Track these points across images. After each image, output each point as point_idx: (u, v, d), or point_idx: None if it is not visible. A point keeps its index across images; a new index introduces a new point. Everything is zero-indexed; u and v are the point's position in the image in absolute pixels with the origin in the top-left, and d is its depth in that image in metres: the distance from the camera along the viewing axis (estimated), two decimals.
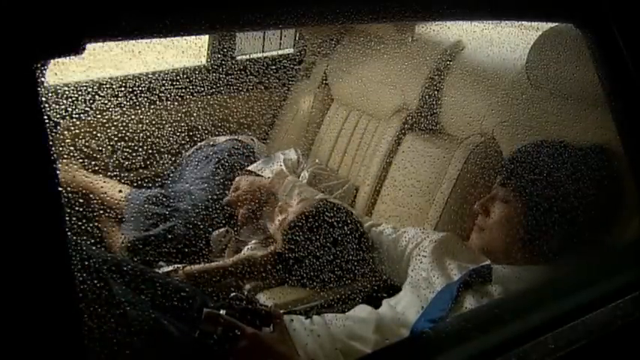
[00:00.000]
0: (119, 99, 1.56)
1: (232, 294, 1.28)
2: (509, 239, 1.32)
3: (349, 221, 1.69)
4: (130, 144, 1.55)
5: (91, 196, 1.64)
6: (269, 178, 2.05)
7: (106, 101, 1.42)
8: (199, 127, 2.13)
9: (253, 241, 1.87)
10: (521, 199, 1.32)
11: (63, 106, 1.02)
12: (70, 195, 0.69)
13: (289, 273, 1.67)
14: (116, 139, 1.53)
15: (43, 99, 0.62)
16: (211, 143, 2.22)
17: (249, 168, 2.14)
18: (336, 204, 1.80)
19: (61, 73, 0.81)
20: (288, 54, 2.56)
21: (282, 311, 1.44)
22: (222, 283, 1.67)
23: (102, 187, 1.75)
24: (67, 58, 0.66)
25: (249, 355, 1.13)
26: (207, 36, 2.23)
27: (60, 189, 0.62)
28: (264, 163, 2.18)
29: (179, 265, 1.65)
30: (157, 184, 2.06)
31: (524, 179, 1.34)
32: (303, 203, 1.79)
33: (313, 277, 1.61)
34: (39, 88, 0.62)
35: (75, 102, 1.08)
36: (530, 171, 1.35)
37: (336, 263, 1.59)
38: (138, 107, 1.72)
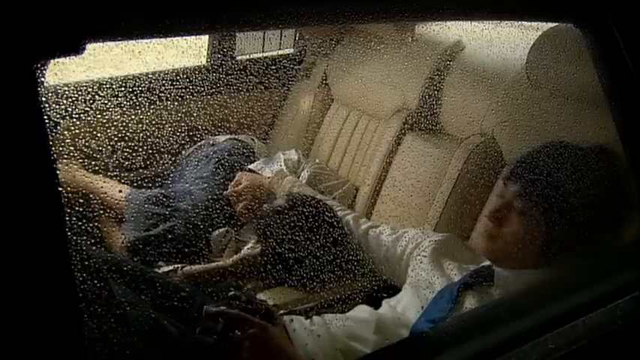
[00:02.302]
0: (119, 99, 1.56)
1: (231, 293, 1.27)
2: (524, 249, 1.30)
3: (322, 212, 1.69)
4: (130, 144, 1.55)
5: (91, 196, 1.64)
6: (269, 177, 2.05)
7: (106, 101, 1.42)
8: (199, 127, 2.14)
9: (253, 241, 1.87)
10: (539, 212, 1.29)
11: (63, 106, 1.02)
12: (70, 195, 0.69)
13: (273, 268, 1.68)
14: (116, 139, 1.53)
15: (43, 99, 0.62)
16: (211, 143, 2.22)
17: (250, 167, 2.15)
18: (308, 196, 1.80)
19: (61, 73, 0.81)
20: (288, 54, 2.56)
21: (282, 311, 1.45)
22: (221, 283, 1.68)
23: (102, 187, 1.75)
24: (67, 58, 0.66)
25: (256, 343, 1.12)
26: (207, 36, 2.23)
27: (60, 189, 0.62)
28: (265, 162, 2.19)
29: (178, 266, 1.65)
30: (157, 184, 2.06)
31: (541, 189, 1.32)
32: (279, 199, 1.80)
33: (291, 271, 1.61)
34: (39, 88, 0.62)
35: (75, 102, 1.08)
36: (550, 184, 1.32)
37: (310, 255, 1.59)
38: (138, 107, 1.72)
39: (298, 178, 2.14)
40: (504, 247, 1.31)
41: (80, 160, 1.61)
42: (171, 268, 1.64)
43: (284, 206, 1.71)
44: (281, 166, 2.15)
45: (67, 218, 0.65)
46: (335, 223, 1.70)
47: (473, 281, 1.35)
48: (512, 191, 1.33)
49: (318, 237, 1.63)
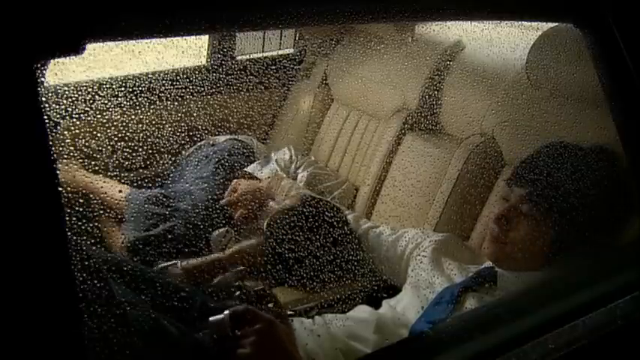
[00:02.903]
0: (119, 99, 1.56)
1: (236, 293, 1.27)
2: (530, 251, 1.30)
3: (335, 217, 1.69)
4: (130, 144, 1.55)
5: (91, 196, 1.64)
6: (267, 179, 2.05)
7: (106, 101, 1.42)
8: (199, 127, 2.14)
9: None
10: (546, 214, 1.29)
11: (63, 106, 1.02)
12: (70, 195, 0.69)
13: (274, 268, 1.68)
14: (116, 139, 1.53)
15: (43, 99, 0.62)
16: (211, 143, 2.22)
17: (247, 169, 2.14)
18: (322, 199, 1.80)
19: (61, 73, 0.81)
20: (288, 54, 2.56)
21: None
22: (220, 283, 1.68)
23: (102, 187, 1.75)
24: (67, 58, 0.66)
25: (263, 337, 1.10)
26: (207, 36, 2.23)
27: (60, 189, 0.62)
28: (262, 164, 2.19)
29: (176, 261, 1.65)
30: (157, 184, 2.06)
31: (546, 191, 1.31)
32: (288, 200, 1.80)
33: (297, 272, 1.61)
34: (39, 88, 0.62)
35: (75, 102, 1.08)
36: (555, 186, 1.32)
37: (319, 258, 1.59)
38: (138, 107, 1.72)
39: (295, 176, 2.14)
40: (511, 250, 1.31)
41: (80, 160, 1.61)
42: (169, 263, 1.65)
43: (295, 206, 1.70)
44: (275, 167, 2.15)
45: (67, 218, 0.65)
46: (343, 225, 1.70)
47: (474, 282, 1.35)
48: (518, 194, 1.32)
49: (326, 238, 1.63)
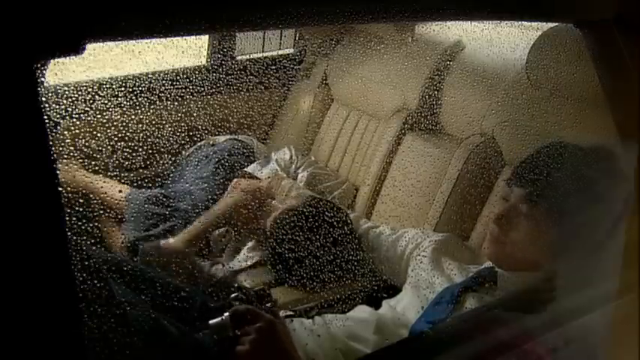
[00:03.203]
0: (119, 99, 1.56)
1: (234, 294, 1.27)
2: (530, 252, 1.31)
3: (339, 218, 1.69)
4: (130, 144, 1.55)
5: (91, 196, 1.64)
6: (268, 178, 2.05)
7: (106, 101, 1.42)
8: (199, 127, 2.14)
9: (252, 242, 1.87)
10: (546, 215, 1.29)
11: (63, 106, 1.02)
12: (70, 195, 0.69)
13: (275, 267, 1.68)
14: (116, 139, 1.53)
15: (43, 99, 0.62)
16: (211, 143, 2.22)
17: (247, 169, 2.14)
18: (326, 200, 1.80)
19: (61, 73, 0.81)
20: (288, 54, 2.56)
21: (282, 312, 1.45)
22: (220, 282, 1.68)
23: (102, 187, 1.75)
24: (67, 58, 0.66)
25: (263, 336, 1.10)
26: (207, 36, 2.23)
27: (60, 189, 0.62)
28: (262, 164, 2.19)
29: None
30: (157, 184, 2.06)
31: (546, 192, 1.31)
32: (293, 199, 1.81)
33: (301, 273, 1.62)
34: (39, 88, 0.62)
35: (75, 102, 1.08)
36: (555, 186, 1.32)
37: (323, 259, 1.60)
38: (138, 107, 1.72)
39: (295, 176, 2.14)
40: (511, 250, 1.31)
41: (80, 160, 1.61)
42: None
43: (298, 207, 1.70)
44: (275, 167, 2.15)
45: (67, 218, 0.65)
46: (345, 226, 1.70)
47: (474, 282, 1.35)
48: (518, 194, 1.32)
49: (329, 239, 1.63)
